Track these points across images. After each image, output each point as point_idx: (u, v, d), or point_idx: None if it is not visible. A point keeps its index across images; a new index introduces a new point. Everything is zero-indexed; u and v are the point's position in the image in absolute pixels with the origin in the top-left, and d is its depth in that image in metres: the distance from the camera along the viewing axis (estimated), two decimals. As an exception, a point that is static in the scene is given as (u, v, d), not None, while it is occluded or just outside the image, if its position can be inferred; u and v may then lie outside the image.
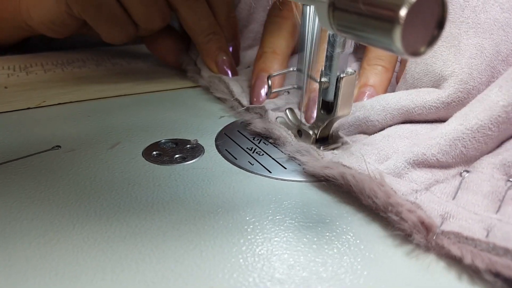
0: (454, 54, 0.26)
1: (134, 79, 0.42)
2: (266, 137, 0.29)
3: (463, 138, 0.22)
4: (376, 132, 0.27)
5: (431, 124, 0.27)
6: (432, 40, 0.16)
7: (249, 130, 0.30)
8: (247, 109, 0.32)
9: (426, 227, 0.18)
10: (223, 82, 0.36)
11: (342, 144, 0.27)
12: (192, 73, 0.41)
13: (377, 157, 0.24)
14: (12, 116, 0.32)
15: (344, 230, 0.20)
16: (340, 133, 0.27)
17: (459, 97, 0.25)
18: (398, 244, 0.19)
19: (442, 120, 0.26)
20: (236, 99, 0.33)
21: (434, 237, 0.18)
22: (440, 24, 0.16)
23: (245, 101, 0.33)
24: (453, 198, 0.21)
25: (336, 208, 0.22)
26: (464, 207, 0.20)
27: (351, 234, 0.20)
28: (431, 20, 0.16)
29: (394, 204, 0.19)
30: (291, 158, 0.26)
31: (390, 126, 0.27)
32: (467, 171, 0.23)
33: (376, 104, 0.27)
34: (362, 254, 0.18)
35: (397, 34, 0.15)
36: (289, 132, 0.27)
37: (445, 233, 0.18)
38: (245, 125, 0.31)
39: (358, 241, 0.19)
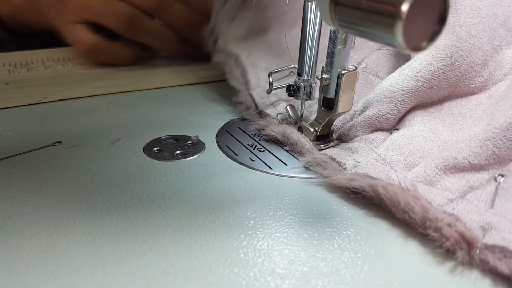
0: (451, 13, 0.25)
1: (135, 76, 0.42)
2: (282, 143, 0.27)
3: (494, 137, 0.21)
4: (393, 126, 0.26)
5: (450, 117, 0.26)
6: (433, 36, 0.16)
7: (265, 135, 0.28)
8: (260, 113, 0.30)
9: (468, 242, 0.17)
10: (241, 67, 0.33)
11: (342, 142, 0.27)
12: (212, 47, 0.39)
13: (403, 164, 0.23)
14: (13, 112, 0.32)
15: (345, 225, 0.20)
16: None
17: (461, 55, 0.25)
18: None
19: (458, 95, 0.25)
20: (250, 95, 0.31)
21: (477, 252, 0.17)
22: (441, 19, 0.16)
23: (259, 100, 0.31)
24: (492, 207, 0.20)
25: (336, 204, 0.22)
26: (505, 216, 0.19)
27: (352, 230, 0.20)
28: (433, 15, 0.16)
29: (433, 219, 0.18)
30: (310, 170, 0.25)
31: (405, 115, 0.26)
32: (502, 175, 0.21)
33: (381, 97, 0.25)
34: (363, 250, 0.18)
35: (399, 29, 0.15)
36: (307, 138, 0.26)
37: (488, 246, 0.17)
38: (259, 130, 0.29)
39: (358, 237, 0.19)
